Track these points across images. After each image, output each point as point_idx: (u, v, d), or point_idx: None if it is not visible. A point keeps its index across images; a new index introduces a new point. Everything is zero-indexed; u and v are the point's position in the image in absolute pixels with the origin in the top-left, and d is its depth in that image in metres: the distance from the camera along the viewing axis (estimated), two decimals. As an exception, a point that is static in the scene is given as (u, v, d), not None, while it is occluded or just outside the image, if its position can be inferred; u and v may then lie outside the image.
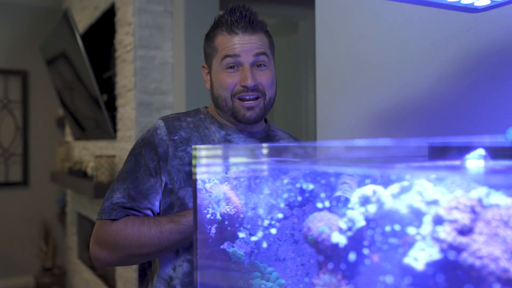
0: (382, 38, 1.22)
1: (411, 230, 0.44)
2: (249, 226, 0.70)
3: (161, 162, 1.06)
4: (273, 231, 0.67)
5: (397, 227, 0.46)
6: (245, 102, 1.07)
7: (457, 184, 0.45)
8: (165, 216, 1.02)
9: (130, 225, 1.00)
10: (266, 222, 0.68)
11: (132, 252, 1.00)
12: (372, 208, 0.49)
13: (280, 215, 0.68)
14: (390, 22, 1.19)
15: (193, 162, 0.70)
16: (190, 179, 1.05)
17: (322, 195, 0.61)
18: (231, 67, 1.06)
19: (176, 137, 1.08)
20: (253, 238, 0.69)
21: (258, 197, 0.70)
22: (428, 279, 0.42)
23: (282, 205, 0.68)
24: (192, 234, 0.93)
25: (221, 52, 1.07)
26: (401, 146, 0.88)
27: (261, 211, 0.69)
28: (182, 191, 1.05)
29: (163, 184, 1.05)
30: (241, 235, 0.71)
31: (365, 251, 0.49)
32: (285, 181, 0.68)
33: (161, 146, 1.06)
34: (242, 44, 1.06)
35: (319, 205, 0.59)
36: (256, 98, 1.07)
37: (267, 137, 1.18)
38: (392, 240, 0.46)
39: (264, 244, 0.69)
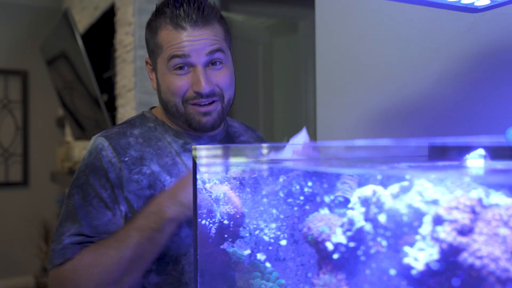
0: (382, 38, 1.22)
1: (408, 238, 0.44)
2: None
3: (115, 190, 0.88)
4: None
5: (396, 227, 0.46)
6: (201, 107, 0.91)
7: (457, 184, 0.45)
8: (122, 228, 0.85)
9: (87, 254, 0.82)
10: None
11: (104, 281, 0.81)
12: (372, 208, 0.49)
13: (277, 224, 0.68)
14: (390, 22, 1.19)
15: (193, 162, 0.70)
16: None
17: (325, 197, 0.61)
18: (180, 68, 0.90)
19: (126, 158, 0.90)
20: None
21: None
22: (428, 279, 0.42)
23: (274, 211, 0.68)
24: (159, 234, 0.79)
25: (166, 50, 0.90)
26: (401, 146, 0.88)
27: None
28: None
29: (123, 214, 0.88)
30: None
31: (365, 251, 0.49)
32: (281, 179, 0.68)
33: (111, 170, 0.88)
34: (192, 41, 0.88)
35: (320, 206, 0.59)
36: (212, 102, 0.92)
37: (227, 135, 1.06)
38: (392, 240, 0.46)
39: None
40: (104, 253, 0.81)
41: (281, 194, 0.68)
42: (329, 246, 0.52)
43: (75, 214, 0.87)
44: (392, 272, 0.45)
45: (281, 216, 0.68)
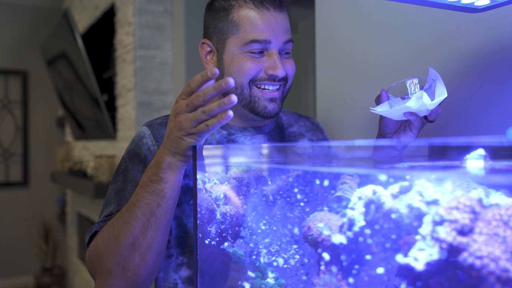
0: (382, 38, 1.22)
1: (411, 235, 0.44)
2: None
3: None
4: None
5: (396, 227, 0.46)
6: (267, 91, 0.90)
7: (457, 184, 0.45)
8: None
9: (105, 226, 0.83)
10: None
11: (121, 245, 0.79)
12: (372, 208, 0.49)
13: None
14: (390, 22, 1.19)
15: (193, 162, 0.70)
16: (186, 195, 0.90)
17: (326, 197, 0.61)
18: (256, 51, 0.88)
19: None
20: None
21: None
22: (427, 279, 0.42)
23: (274, 210, 0.68)
24: (159, 185, 0.77)
25: (246, 33, 0.87)
26: (401, 146, 0.88)
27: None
28: (179, 210, 0.89)
29: None
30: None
31: (365, 251, 0.49)
32: (281, 179, 0.68)
33: (150, 157, 0.89)
34: (274, 26, 0.87)
35: (320, 206, 0.59)
36: (279, 88, 0.91)
37: (276, 127, 1.03)
38: (392, 240, 0.46)
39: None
40: (117, 217, 0.81)
41: (280, 194, 0.68)
42: (329, 246, 0.52)
43: (112, 199, 0.89)
44: (392, 272, 0.45)
45: (279, 215, 0.68)
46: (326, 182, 0.61)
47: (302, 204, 0.66)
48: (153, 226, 0.79)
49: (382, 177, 0.52)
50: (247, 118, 0.95)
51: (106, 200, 0.92)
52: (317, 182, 0.63)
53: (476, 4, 0.76)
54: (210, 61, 0.94)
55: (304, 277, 0.68)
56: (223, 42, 0.90)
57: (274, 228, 0.68)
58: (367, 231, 0.48)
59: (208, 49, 0.94)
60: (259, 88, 0.89)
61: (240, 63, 0.88)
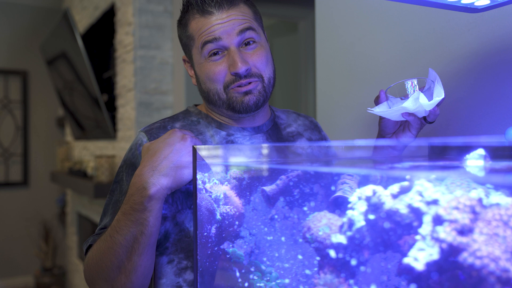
0: (382, 38, 1.22)
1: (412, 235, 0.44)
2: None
3: None
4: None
5: (396, 227, 0.46)
6: (241, 88, 0.89)
7: (457, 184, 0.45)
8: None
9: (95, 243, 0.86)
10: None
11: (107, 266, 0.82)
12: (372, 208, 0.49)
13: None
14: (390, 22, 1.19)
15: (193, 162, 0.70)
16: (189, 199, 0.89)
17: (326, 197, 0.61)
18: (214, 54, 0.89)
19: None
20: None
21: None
22: (427, 279, 0.42)
23: (274, 211, 0.68)
24: (143, 214, 0.78)
25: (198, 39, 0.89)
26: (401, 146, 0.88)
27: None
28: (181, 215, 0.89)
29: None
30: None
31: (365, 251, 0.49)
32: (281, 179, 0.68)
33: None
34: (221, 23, 0.87)
35: (320, 206, 0.59)
36: (250, 83, 0.90)
37: (274, 126, 1.02)
38: (392, 240, 0.46)
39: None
40: (103, 239, 0.83)
41: (280, 194, 0.68)
42: (329, 246, 0.52)
43: (108, 209, 0.91)
44: (392, 272, 0.45)
45: (279, 215, 0.68)
46: (325, 183, 0.61)
47: (301, 201, 0.66)
48: (137, 251, 0.80)
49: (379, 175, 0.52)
50: (238, 117, 0.95)
51: (104, 208, 0.93)
52: (317, 182, 0.63)
53: (476, 4, 0.76)
54: (192, 75, 0.97)
55: (304, 277, 0.68)
56: (190, 55, 0.95)
57: (274, 229, 0.68)
58: (367, 231, 0.48)
59: (188, 64, 0.98)
60: (233, 89, 0.90)
61: (206, 71, 0.90)
